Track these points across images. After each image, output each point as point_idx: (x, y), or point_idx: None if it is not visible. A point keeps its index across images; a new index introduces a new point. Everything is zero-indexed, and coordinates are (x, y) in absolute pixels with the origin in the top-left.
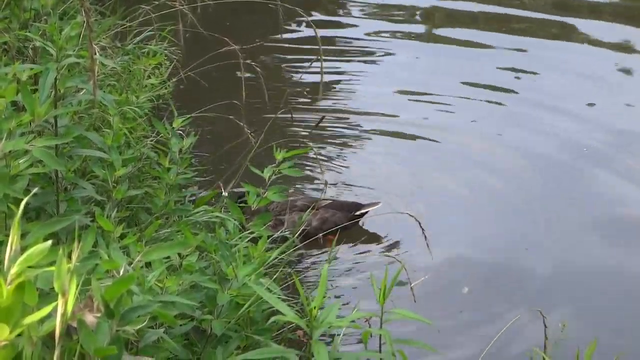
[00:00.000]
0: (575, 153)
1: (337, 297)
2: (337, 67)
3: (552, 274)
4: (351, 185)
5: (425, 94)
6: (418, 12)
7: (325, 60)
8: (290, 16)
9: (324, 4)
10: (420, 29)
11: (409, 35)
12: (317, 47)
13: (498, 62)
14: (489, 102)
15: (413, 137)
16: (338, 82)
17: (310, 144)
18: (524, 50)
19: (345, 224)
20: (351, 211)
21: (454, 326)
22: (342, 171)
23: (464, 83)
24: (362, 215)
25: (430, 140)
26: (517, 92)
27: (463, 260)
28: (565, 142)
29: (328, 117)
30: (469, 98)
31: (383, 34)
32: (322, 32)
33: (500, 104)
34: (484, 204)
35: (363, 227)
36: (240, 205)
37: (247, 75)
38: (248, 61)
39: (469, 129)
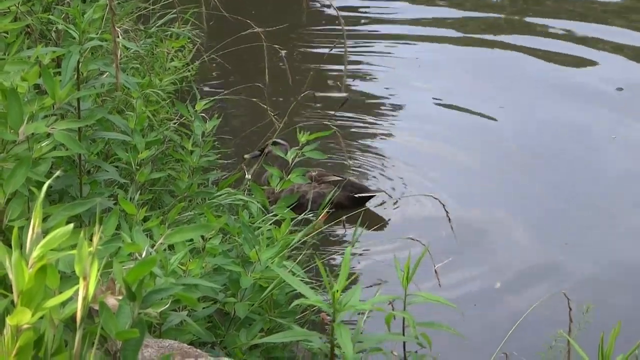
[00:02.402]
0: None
1: (360, 279)
2: (361, 51)
3: (580, 261)
4: (373, 168)
5: (456, 85)
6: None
7: (350, 46)
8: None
9: None
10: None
11: (437, 22)
12: (341, 31)
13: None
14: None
15: (440, 122)
16: (362, 64)
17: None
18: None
19: (341, 202)
20: (353, 192)
21: (477, 309)
22: (365, 155)
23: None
24: (366, 198)
25: (461, 124)
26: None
27: (487, 243)
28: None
29: (351, 100)
30: (503, 88)
31: (407, 17)
32: (346, 14)
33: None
34: (512, 188)
35: (387, 207)
36: (263, 187)
37: (273, 58)
38: (274, 46)
39: (499, 114)
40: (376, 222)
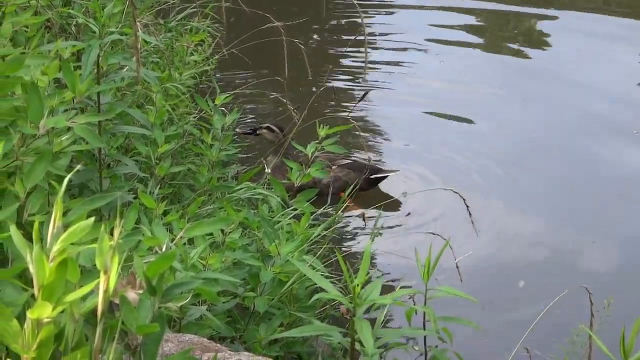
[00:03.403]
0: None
1: (380, 273)
2: (381, 47)
3: (601, 254)
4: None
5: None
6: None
7: (370, 43)
8: None
9: None
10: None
11: (457, 26)
12: (361, 27)
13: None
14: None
15: (458, 119)
16: (381, 62)
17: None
18: None
19: (357, 184)
20: (366, 173)
21: (498, 304)
22: (382, 148)
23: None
24: (380, 179)
25: (479, 123)
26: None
27: (507, 238)
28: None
29: (371, 95)
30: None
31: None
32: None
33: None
34: (530, 185)
35: (405, 202)
36: (283, 182)
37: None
38: (293, 40)
39: (521, 113)
40: (396, 216)
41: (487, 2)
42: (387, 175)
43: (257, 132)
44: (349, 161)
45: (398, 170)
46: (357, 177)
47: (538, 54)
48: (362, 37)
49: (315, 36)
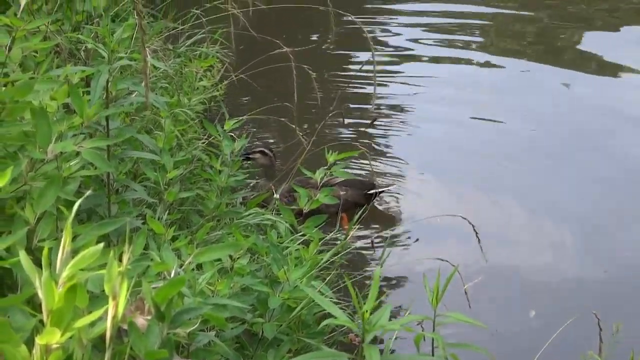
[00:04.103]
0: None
1: (389, 299)
2: (390, 70)
3: (607, 279)
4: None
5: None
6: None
7: (379, 65)
8: (345, 21)
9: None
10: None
11: (462, 44)
12: (370, 51)
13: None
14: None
15: (464, 140)
16: (390, 83)
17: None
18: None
19: (357, 202)
20: (364, 189)
21: (507, 329)
22: (394, 171)
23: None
24: (376, 194)
25: (484, 143)
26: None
27: (516, 261)
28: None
29: (380, 119)
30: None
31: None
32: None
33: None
34: (536, 207)
35: (414, 227)
36: (290, 207)
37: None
38: (302, 66)
39: (528, 133)
40: (405, 241)
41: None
42: (383, 190)
43: (250, 156)
44: (341, 179)
45: (394, 184)
46: (355, 194)
47: None
48: (371, 66)
49: (325, 61)
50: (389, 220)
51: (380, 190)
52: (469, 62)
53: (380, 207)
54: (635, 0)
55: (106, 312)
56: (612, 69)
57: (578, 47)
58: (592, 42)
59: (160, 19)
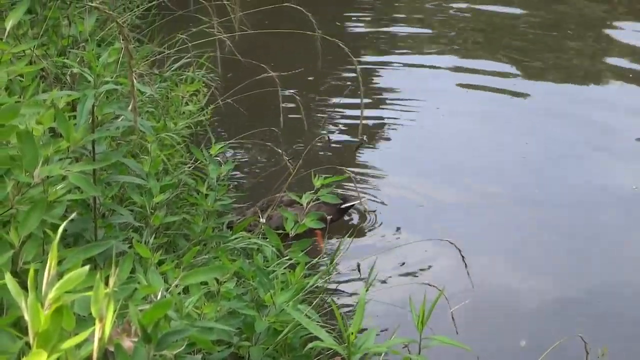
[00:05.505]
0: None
1: (375, 323)
2: (377, 101)
3: (594, 301)
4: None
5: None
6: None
7: (368, 98)
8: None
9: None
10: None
11: (456, 69)
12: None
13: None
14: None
15: (446, 168)
16: (380, 104)
17: (348, 170)
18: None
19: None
20: (337, 204)
21: (493, 352)
22: (377, 197)
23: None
24: (347, 208)
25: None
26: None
27: (502, 285)
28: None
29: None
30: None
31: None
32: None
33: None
34: (523, 225)
35: (400, 251)
36: (279, 232)
37: (285, 103)
38: (289, 91)
39: (518, 158)
40: (391, 264)
41: None
42: (354, 205)
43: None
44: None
45: (364, 198)
46: (328, 209)
47: None
48: (359, 91)
49: (310, 86)
50: (375, 243)
51: (351, 203)
52: (463, 86)
53: (366, 230)
54: None
55: (93, 334)
56: None
57: None
58: None
59: (146, 44)
